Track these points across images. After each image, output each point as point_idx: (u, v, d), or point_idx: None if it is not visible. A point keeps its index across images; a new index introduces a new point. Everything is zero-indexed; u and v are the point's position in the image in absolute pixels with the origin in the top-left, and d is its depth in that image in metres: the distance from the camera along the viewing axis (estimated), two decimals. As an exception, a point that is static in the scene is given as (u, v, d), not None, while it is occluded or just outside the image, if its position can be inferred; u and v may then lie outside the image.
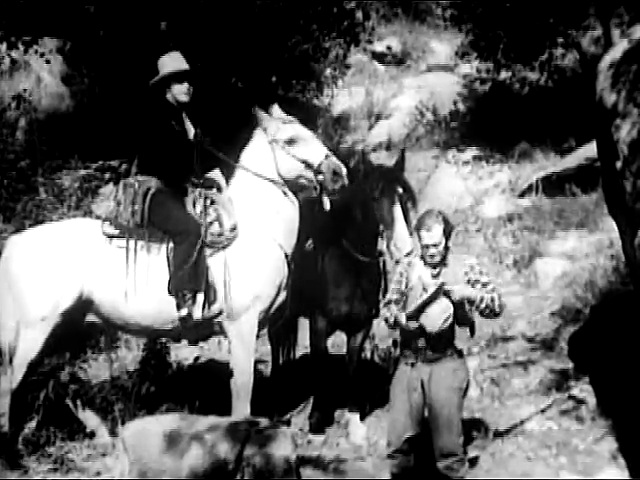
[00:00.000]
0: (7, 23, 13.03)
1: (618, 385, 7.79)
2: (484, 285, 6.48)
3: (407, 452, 6.53)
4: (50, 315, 7.22)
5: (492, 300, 6.41)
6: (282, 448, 6.23)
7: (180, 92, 7.58)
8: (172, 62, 7.66)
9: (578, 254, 10.74)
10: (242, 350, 7.40)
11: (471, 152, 14.32)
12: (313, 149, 7.41)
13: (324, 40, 14.98)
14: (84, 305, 7.32)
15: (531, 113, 14.00)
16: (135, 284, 7.24)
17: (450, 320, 6.39)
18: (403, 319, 6.47)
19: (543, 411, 8.09)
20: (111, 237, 7.35)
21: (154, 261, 7.29)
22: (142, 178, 7.52)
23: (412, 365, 6.52)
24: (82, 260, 7.27)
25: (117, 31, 12.85)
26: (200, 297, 7.23)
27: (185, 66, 7.66)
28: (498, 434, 7.82)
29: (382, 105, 17.54)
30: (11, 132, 12.68)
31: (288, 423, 7.86)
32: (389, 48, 19.74)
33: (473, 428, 7.80)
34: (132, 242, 7.31)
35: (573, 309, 9.38)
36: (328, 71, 16.71)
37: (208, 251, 7.31)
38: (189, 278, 7.18)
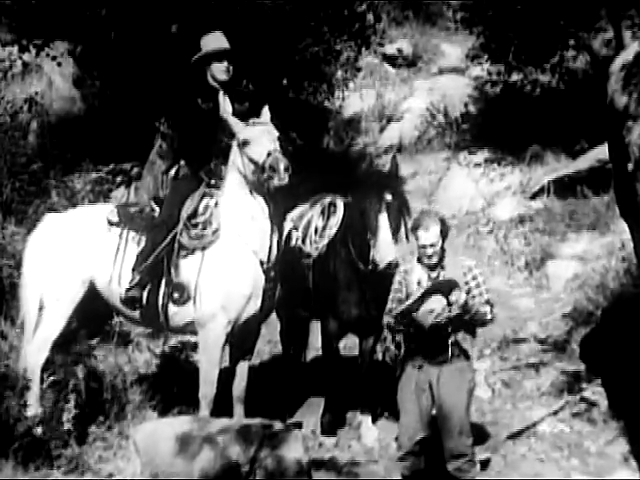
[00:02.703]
0: (18, 26, 13.08)
1: (630, 387, 7.79)
2: (474, 294, 6.47)
3: (418, 454, 6.54)
4: (73, 295, 7.51)
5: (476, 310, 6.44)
6: (294, 450, 6.25)
7: (219, 70, 7.65)
8: (213, 41, 7.75)
9: (589, 256, 10.74)
10: (205, 360, 7.42)
11: (482, 154, 14.30)
12: (260, 147, 7.14)
13: (335, 42, 14.92)
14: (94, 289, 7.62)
15: (542, 115, 13.96)
16: (120, 271, 7.42)
17: (443, 315, 6.36)
18: (391, 320, 6.60)
19: (555, 413, 8.09)
20: (111, 225, 7.57)
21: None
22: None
23: (420, 368, 6.54)
24: (90, 246, 7.55)
25: (128, 34, 12.86)
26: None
27: (225, 45, 7.73)
28: (510, 436, 7.82)
29: (393, 107, 17.52)
30: (23, 135, 12.70)
31: (300, 425, 7.86)
32: (400, 50, 19.72)
33: (484, 430, 7.80)
34: (125, 232, 7.53)
35: (585, 311, 9.37)
36: (339, 73, 16.65)
37: (183, 252, 7.35)
38: (145, 268, 7.34)
